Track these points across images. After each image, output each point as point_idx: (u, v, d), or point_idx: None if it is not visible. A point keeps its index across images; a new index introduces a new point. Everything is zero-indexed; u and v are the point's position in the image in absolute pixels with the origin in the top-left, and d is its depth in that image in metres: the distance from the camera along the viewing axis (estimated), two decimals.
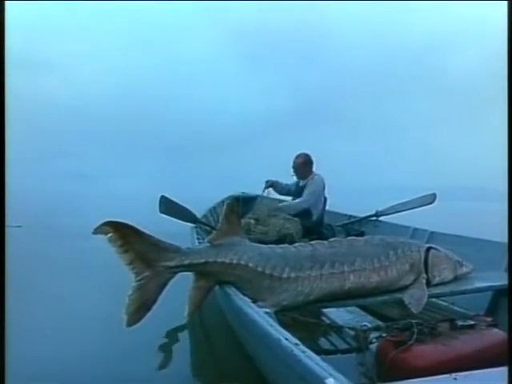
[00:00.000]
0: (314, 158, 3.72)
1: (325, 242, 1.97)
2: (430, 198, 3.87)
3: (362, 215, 4.05)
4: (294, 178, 3.78)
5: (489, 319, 1.58)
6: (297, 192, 3.72)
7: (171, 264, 1.80)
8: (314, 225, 3.54)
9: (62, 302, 3.05)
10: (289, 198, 3.92)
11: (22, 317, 2.35)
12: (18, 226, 7.04)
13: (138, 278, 1.75)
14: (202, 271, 1.85)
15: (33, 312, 2.77)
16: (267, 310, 1.58)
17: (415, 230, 3.25)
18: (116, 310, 1.74)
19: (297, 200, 3.55)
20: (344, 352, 1.69)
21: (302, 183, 3.73)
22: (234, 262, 1.82)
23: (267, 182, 3.82)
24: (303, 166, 3.66)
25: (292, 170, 3.72)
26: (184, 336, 2.50)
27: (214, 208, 4.53)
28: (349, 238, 2.06)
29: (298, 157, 3.70)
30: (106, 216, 1.80)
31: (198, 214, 3.69)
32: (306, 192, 3.56)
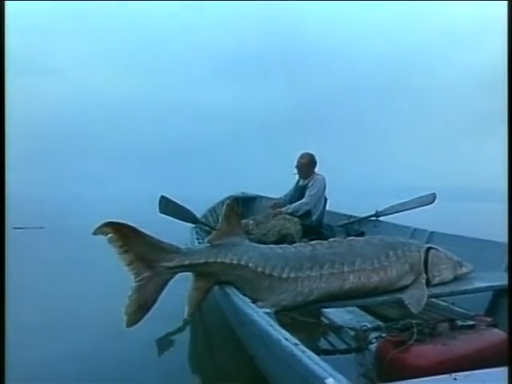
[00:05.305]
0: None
1: (324, 242, 1.96)
2: (430, 198, 3.87)
3: (362, 215, 4.06)
4: (296, 177, 3.79)
5: (489, 319, 1.57)
6: (297, 193, 3.72)
7: (171, 264, 1.80)
8: (313, 225, 3.54)
9: (64, 302, 3.05)
10: None
11: (23, 316, 2.36)
12: (41, 228, 6.94)
13: (138, 278, 1.75)
14: (201, 271, 1.85)
15: (34, 311, 2.78)
16: (267, 310, 1.58)
17: (415, 230, 3.24)
18: (116, 311, 1.74)
19: (299, 202, 3.55)
20: (344, 352, 1.68)
21: (302, 183, 3.73)
22: (234, 262, 1.82)
23: (271, 204, 3.85)
24: (307, 165, 3.67)
25: (295, 169, 3.73)
26: (184, 336, 2.49)
27: (214, 208, 4.53)
28: (349, 238, 2.05)
29: (302, 157, 3.70)
30: (108, 216, 1.79)
31: (198, 215, 3.69)
32: (308, 193, 3.56)
